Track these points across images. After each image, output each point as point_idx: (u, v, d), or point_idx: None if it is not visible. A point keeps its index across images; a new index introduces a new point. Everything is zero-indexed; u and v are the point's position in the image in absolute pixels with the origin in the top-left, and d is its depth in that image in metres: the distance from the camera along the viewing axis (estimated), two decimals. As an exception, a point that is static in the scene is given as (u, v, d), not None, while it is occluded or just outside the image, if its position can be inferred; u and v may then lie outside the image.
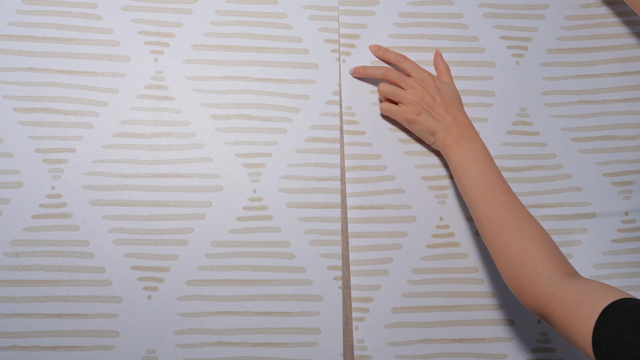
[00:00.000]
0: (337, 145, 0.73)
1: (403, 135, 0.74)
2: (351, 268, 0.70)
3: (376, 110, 0.74)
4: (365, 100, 0.75)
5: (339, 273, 0.70)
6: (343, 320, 0.70)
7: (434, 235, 0.72)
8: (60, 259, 0.68)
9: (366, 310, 0.70)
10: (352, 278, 0.70)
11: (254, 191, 0.71)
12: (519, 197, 0.65)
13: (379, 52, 0.75)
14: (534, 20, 0.78)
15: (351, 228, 0.71)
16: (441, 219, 0.73)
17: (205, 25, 0.74)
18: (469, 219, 0.73)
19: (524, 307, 0.70)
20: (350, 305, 0.70)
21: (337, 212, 0.71)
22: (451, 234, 0.73)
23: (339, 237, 0.71)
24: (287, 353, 0.68)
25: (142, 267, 0.68)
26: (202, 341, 0.68)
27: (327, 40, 0.75)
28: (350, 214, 0.72)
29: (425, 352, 0.70)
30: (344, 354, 0.69)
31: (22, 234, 0.68)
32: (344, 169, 0.72)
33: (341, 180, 0.72)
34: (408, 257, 0.71)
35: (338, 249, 0.71)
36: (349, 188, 0.72)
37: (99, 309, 0.67)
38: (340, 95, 0.74)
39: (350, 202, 0.72)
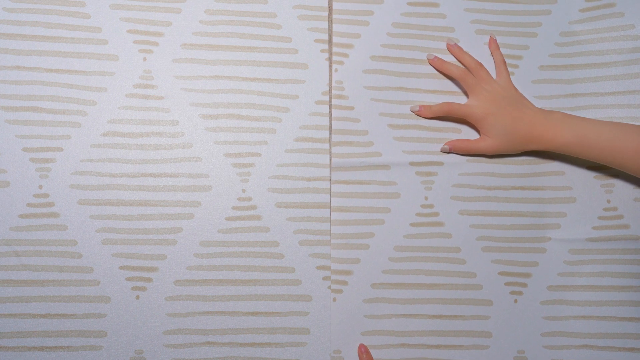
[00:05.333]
0: (327, 145, 0.73)
1: (390, 109, 0.75)
2: (332, 241, 0.71)
3: (367, 86, 0.75)
4: (357, 77, 0.75)
5: (328, 273, 0.70)
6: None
7: (417, 214, 0.73)
8: (47, 258, 0.67)
9: (345, 283, 0.70)
10: (332, 251, 0.71)
11: (243, 191, 0.71)
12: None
13: (456, 51, 0.76)
14: (526, 38, 0.78)
15: (334, 202, 0.72)
16: (426, 198, 0.73)
17: (195, 24, 0.74)
18: (454, 197, 0.73)
19: (504, 288, 0.72)
20: (330, 277, 0.70)
21: (327, 212, 0.71)
22: (436, 214, 0.73)
23: (328, 237, 0.71)
24: (276, 353, 0.68)
25: (130, 267, 0.68)
26: (190, 341, 0.68)
27: (316, 40, 0.75)
28: (334, 188, 0.72)
29: (403, 328, 0.70)
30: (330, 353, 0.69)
31: (9, 233, 0.67)
32: (331, 143, 0.73)
33: (330, 179, 0.73)
34: (390, 234, 0.72)
35: (327, 249, 0.71)
36: (334, 163, 0.72)
37: (86, 309, 0.67)
38: (330, 95, 0.74)
39: (334, 176, 0.72)
